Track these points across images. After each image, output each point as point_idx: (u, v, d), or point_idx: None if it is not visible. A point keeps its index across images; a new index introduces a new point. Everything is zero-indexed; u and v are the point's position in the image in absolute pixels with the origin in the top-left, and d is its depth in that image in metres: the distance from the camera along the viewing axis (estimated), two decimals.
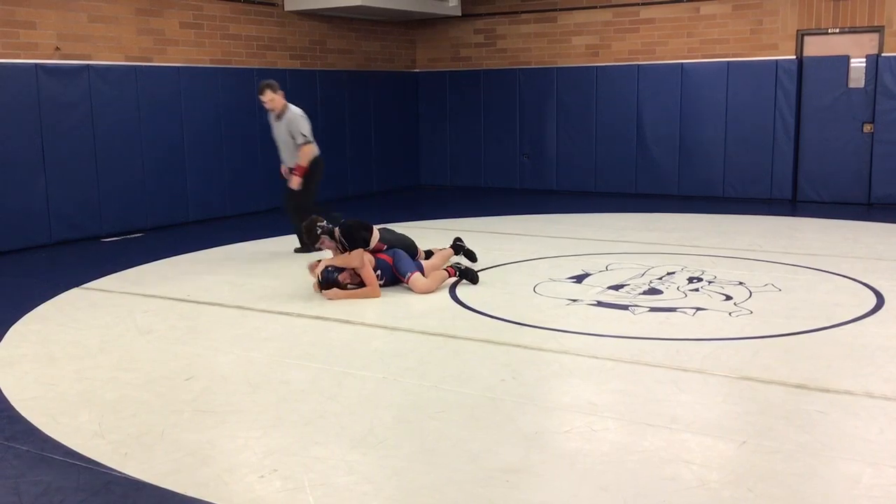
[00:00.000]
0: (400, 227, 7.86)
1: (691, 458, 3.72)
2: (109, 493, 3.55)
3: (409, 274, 6.97)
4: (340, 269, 6.88)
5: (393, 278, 7.05)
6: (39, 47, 9.45)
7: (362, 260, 6.81)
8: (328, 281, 6.83)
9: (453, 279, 7.22)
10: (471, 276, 7.19)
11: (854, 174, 11.89)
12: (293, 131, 8.50)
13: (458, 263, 7.40)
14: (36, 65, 9.30)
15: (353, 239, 6.95)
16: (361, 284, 6.89)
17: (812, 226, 10.24)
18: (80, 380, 4.98)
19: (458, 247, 7.88)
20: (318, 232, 6.96)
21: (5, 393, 4.77)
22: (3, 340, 5.82)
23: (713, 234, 9.57)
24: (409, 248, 7.31)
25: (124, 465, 3.77)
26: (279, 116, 8.56)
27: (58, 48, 9.61)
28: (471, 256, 7.92)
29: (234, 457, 3.87)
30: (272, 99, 8.46)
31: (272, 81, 8.59)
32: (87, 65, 9.84)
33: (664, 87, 12.90)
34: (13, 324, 6.19)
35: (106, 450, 3.95)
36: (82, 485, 3.62)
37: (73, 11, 9.80)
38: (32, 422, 4.33)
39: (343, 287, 6.85)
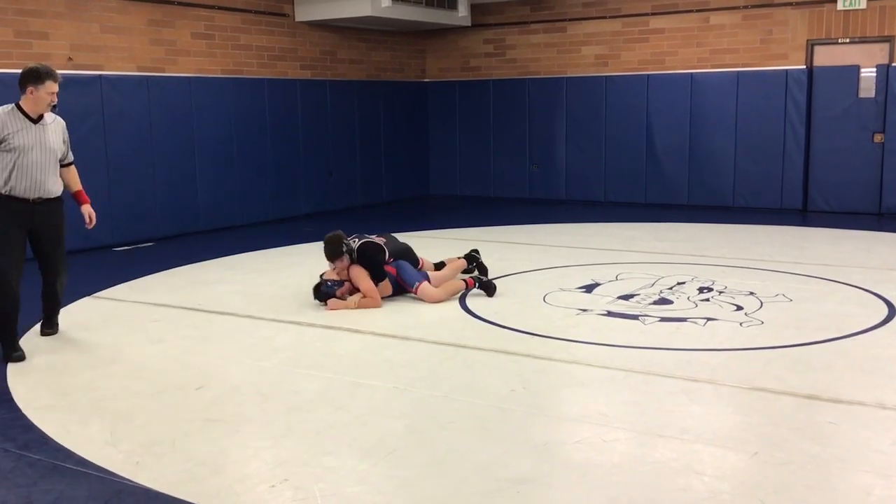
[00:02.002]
0: (410, 237, 7.86)
1: (702, 470, 3.71)
2: (121, 503, 3.56)
3: (416, 284, 6.97)
4: (340, 283, 6.87)
5: (397, 288, 7.05)
6: (52, 58, 9.50)
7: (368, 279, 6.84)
8: (328, 295, 6.84)
9: (469, 289, 7.18)
10: (488, 288, 7.13)
11: (865, 184, 11.85)
12: (67, 142, 6.00)
13: (479, 276, 7.35)
14: None
15: (372, 262, 6.86)
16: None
17: (823, 236, 10.21)
18: (92, 389, 5.00)
19: (472, 257, 7.81)
20: (344, 250, 6.78)
21: (18, 401, 4.79)
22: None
23: (723, 244, 9.55)
24: (410, 255, 7.27)
25: (136, 475, 3.78)
26: (41, 118, 5.74)
27: (70, 58, 9.68)
28: (482, 271, 7.80)
29: (245, 466, 3.87)
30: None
31: None
32: (100, 75, 9.90)
33: (674, 96, 12.90)
34: (25, 333, 6.21)
35: (118, 459, 3.96)
36: (94, 493, 3.63)
37: (85, 22, 9.87)
38: (45, 430, 4.35)
39: (342, 299, 6.86)
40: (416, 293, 6.97)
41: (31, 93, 5.62)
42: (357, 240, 7.01)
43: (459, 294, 7.14)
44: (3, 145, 5.56)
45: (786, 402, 4.54)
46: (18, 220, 5.65)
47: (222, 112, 11.36)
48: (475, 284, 7.19)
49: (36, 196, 5.69)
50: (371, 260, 6.87)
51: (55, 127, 5.85)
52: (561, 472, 3.75)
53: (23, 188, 5.63)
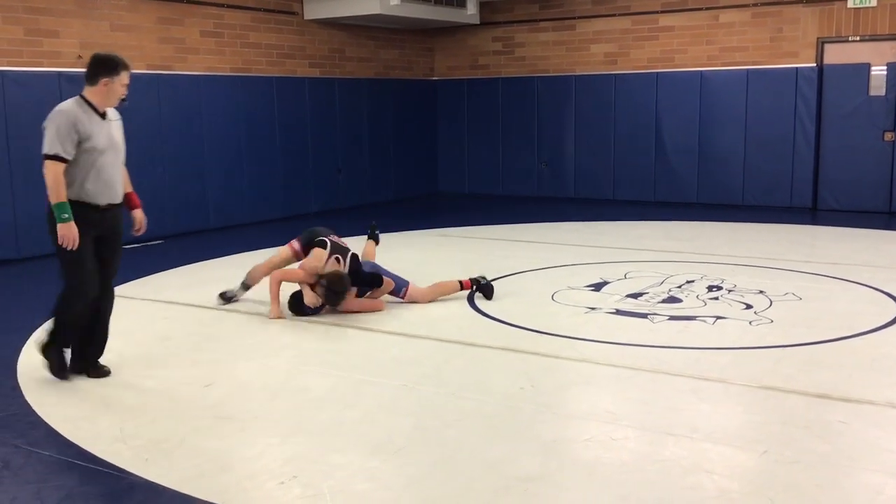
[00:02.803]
0: (418, 236, 7.82)
1: (712, 468, 3.71)
2: (130, 499, 3.57)
3: (403, 289, 6.84)
4: (318, 309, 6.57)
5: (363, 292, 6.81)
6: (62, 55, 9.54)
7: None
8: (306, 313, 6.56)
9: (463, 291, 7.06)
10: (486, 290, 7.00)
11: (875, 183, 11.80)
12: (122, 140, 5.28)
13: (477, 279, 7.17)
14: (59, 73, 9.38)
15: (365, 282, 6.74)
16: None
17: (832, 234, 10.17)
18: (101, 386, 5.02)
19: (374, 234, 7.81)
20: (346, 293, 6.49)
21: (27, 398, 4.81)
22: (25, 346, 5.87)
23: (733, 243, 9.52)
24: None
25: (145, 471, 3.80)
26: (106, 113, 5.13)
27: (80, 56, 9.69)
28: (374, 238, 7.80)
29: (254, 463, 3.88)
30: None
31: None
32: None
33: (683, 95, 12.86)
34: (34, 330, 6.24)
35: (127, 455, 3.98)
36: (104, 490, 3.65)
37: (95, 20, 9.90)
38: (55, 427, 4.37)
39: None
40: (403, 297, 6.83)
41: (105, 84, 4.94)
42: (341, 259, 6.62)
43: (450, 294, 7.02)
44: (82, 145, 4.84)
45: (795, 401, 4.53)
46: (90, 230, 4.93)
47: (231, 110, 11.38)
48: (471, 286, 7.05)
49: (107, 202, 4.99)
50: (363, 281, 6.71)
51: (118, 124, 5.22)
52: (569, 470, 3.75)
53: (96, 193, 4.92)
